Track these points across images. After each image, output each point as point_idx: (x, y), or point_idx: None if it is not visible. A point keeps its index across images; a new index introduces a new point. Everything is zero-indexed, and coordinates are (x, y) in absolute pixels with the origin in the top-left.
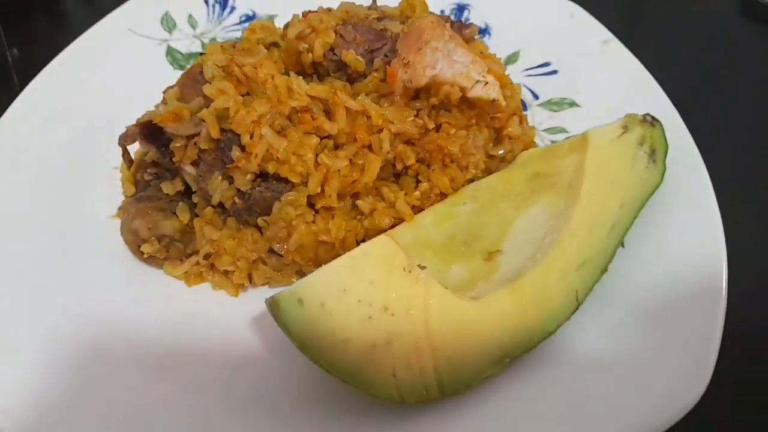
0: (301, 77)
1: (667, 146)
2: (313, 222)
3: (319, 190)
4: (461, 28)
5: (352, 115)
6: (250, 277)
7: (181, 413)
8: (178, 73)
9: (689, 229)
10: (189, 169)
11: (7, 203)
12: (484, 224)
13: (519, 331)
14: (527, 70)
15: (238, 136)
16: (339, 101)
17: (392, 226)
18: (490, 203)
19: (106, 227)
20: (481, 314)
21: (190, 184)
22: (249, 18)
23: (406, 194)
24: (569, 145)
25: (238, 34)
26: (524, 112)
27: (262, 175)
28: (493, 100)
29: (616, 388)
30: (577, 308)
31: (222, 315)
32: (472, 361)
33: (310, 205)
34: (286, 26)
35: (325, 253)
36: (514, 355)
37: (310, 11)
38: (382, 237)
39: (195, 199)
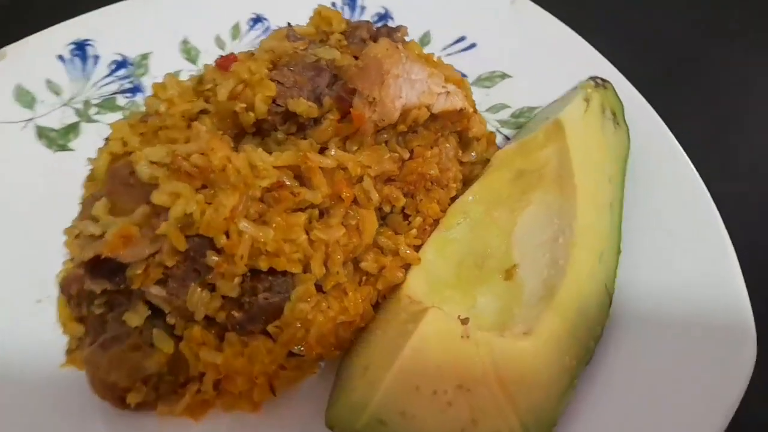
0: (254, 148)
1: (621, 104)
2: (328, 308)
3: (324, 271)
4: (390, 32)
5: (329, 173)
6: (271, 388)
7: None
8: (61, 155)
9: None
10: (156, 290)
11: None
12: (486, 239)
13: (574, 346)
14: (445, 48)
15: (210, 239)
16: (313, 164)
17: None
18: (483, 215)
19: (62, 380)
20: (541, 347)
21: (159, 306)
22: (120, 64)
23: (402, 236)
24: (544, 134)
25: (113, 87)
26: None
27: (251, 272)
28: (461, 109)
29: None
30: (610, 301)
31: None
32: (550, 398)
33: (319, 288)
34: (197, 80)
35: (344, 331)
36: (579, 373)
37: (224, 57)
38: (433, 312)
39: (170, 320)
